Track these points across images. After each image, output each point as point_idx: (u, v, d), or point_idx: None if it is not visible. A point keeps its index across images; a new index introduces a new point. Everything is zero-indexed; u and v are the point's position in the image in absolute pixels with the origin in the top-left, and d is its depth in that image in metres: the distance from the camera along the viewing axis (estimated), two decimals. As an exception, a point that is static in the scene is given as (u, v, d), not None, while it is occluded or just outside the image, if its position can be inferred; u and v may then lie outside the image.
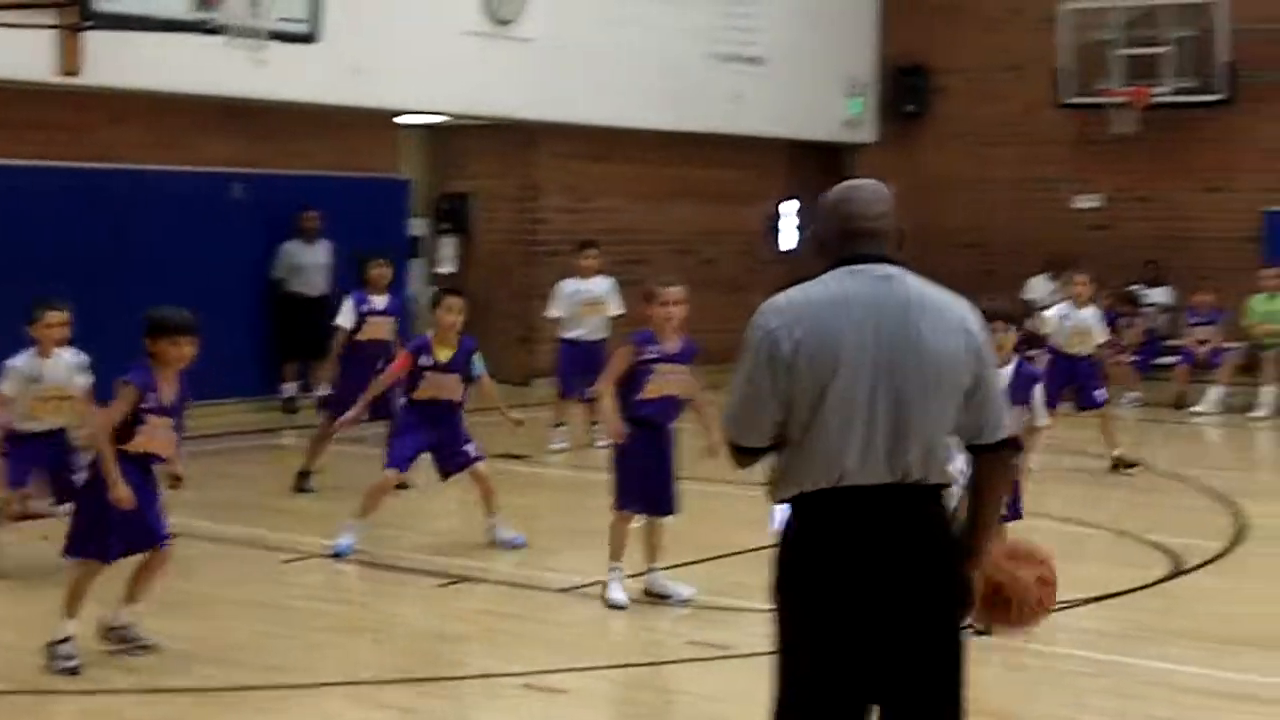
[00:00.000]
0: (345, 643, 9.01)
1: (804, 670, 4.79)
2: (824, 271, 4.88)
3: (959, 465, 5.03)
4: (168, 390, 8.34)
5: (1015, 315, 9.86)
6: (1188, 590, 10.47)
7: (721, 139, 23.20)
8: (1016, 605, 5.26)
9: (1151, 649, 8.94)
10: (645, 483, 9.75)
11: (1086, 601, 9.84)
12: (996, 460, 4.90)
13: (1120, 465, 15.11)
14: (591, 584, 10.10)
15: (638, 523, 9.87)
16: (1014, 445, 5.03)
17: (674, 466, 9.84)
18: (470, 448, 11.41)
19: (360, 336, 13.49)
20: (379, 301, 13.68)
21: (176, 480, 8.59)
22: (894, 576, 4.69)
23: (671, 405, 9.79)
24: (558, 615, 9.69)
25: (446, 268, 21.83)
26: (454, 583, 10.32)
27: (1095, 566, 10.99)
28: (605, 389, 9.82)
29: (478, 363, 11.50)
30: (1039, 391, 9.79)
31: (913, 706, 4.80)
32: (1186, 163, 23.60)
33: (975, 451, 4.87)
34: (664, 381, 9.71)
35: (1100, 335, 15.83)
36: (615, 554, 9.77)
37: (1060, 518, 12.69)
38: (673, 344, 9.74)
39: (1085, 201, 24.44)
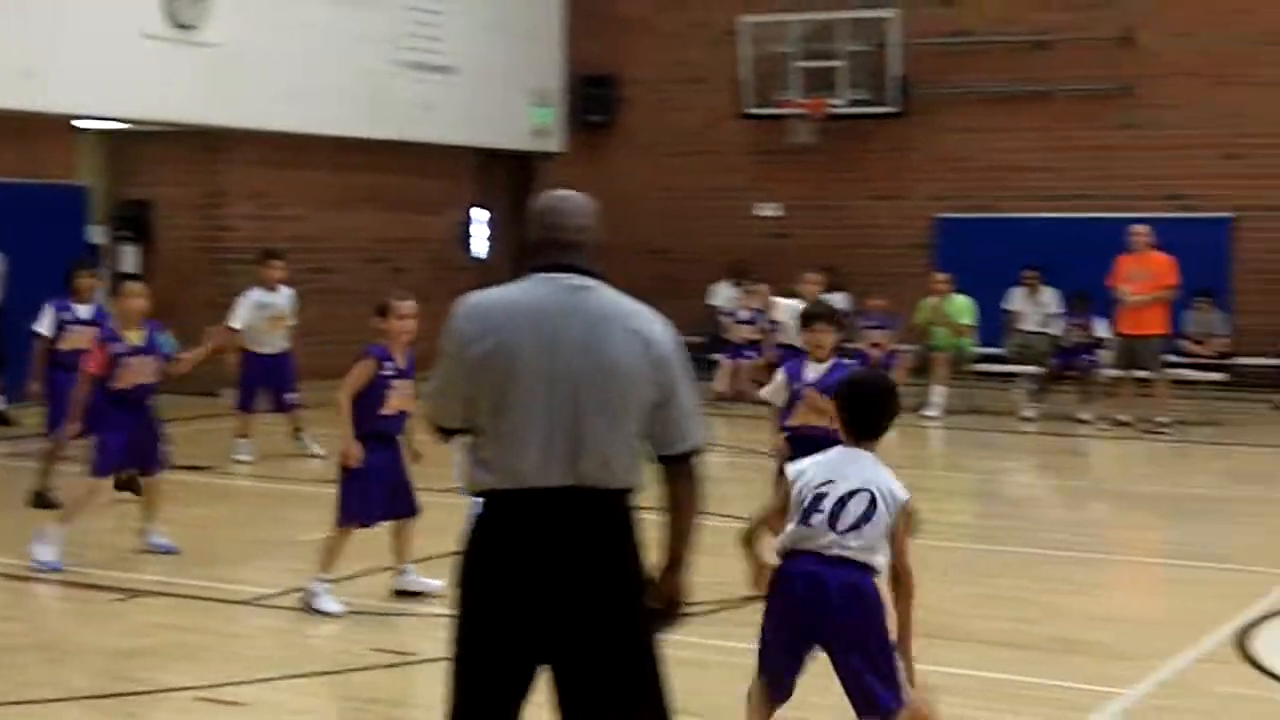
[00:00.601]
0: (18, 661, 8.78)
1: (473, 657, 4.96)
2: (524, 275, 5.04)
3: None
4: None
5: (836, 317, 10.29)
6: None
7: (411, 147, 23.20)
8: None
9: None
10: (388, 491, 9.83)
11: (756, 598, 10.13)
12: (682, 470, 5.07)
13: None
14: (274, 595, 10.08)
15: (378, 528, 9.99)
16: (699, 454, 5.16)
17: (408, 469, 10.03)
18: (163, 452, 11.38)
19: (61, 346, 13.15)
20: (82, 311, 13.37)
21: None
22: (566, 574, 4.86)
23: (404, 418, 9.96)
24: (239, 627, 9.64)
25: (129, 277, 21.43)
26: (133, 597, 10.17)
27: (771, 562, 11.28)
28: (346, 402, 9.79)
29: (166, 340, 11.43)
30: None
31: (588, 700, 4.95)
32: (862, 172, 24.33)
33: (663, 461, 5.04)
34: (400, 396, 9.79)
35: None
36: (328, 565, 9.77)
37: (737, 516, 12.99)
38: (403, 358, 9.82)
39: (766, 210, 25.00)
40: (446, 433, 5.09)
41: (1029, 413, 19.99)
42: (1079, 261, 20.94)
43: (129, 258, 21.45)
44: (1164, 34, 22.82)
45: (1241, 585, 10.73)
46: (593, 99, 26.09)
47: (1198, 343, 21.64)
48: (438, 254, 24.22)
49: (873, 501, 6.31)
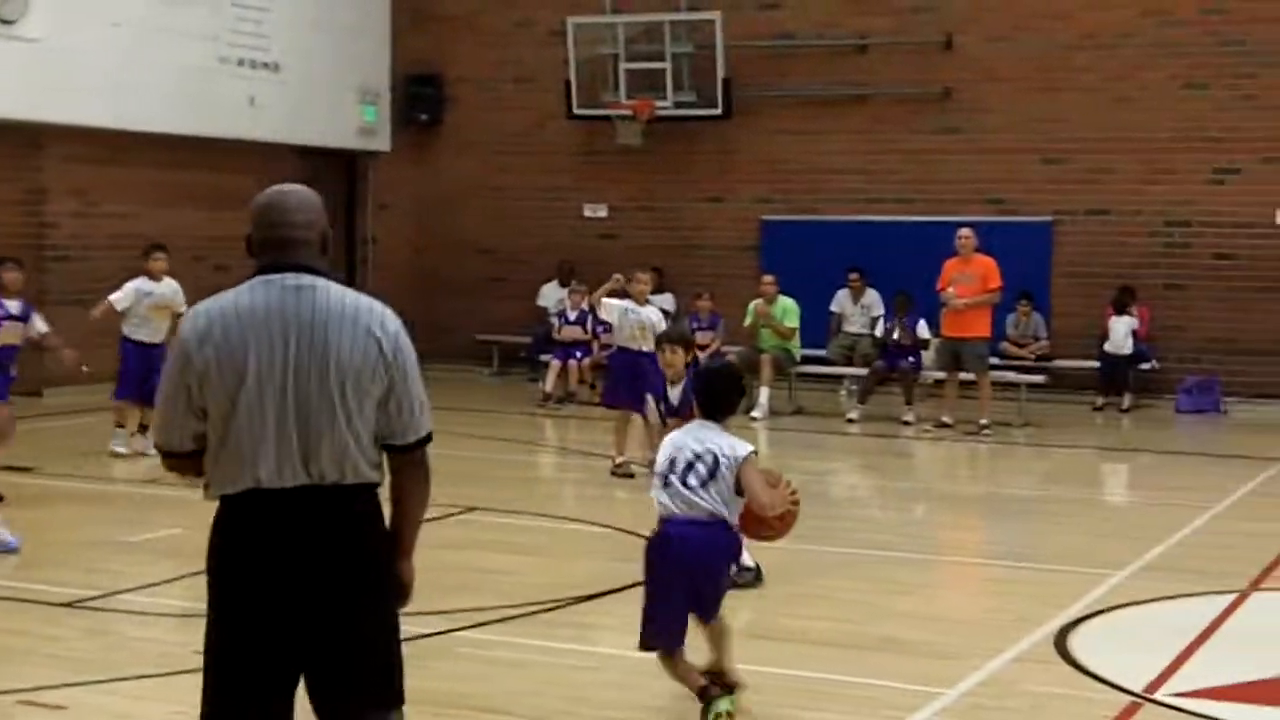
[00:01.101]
0: None
1: (224, 661, 5.01)
2: (251, 276, 5.04)
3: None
4: None
5: (686, 339, 12.08)
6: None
7: (236, 144, 22.97)
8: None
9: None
10: None
11: (589, 598, 10.20)
12: (410, 460, 5.12)
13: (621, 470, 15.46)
14: (96, 597, 9.97)
15: None
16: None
17: None
18: None
19: None
20: (13, 306, 13.97)
21: None
22: (309, 572, 4.91)
23: None
24: (62, 629, 9.49)
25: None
26: (-49, 600, 10.03)
27: (595, 562, 11.35)
28: None
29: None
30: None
31: (333, 696, 5.03)
32: (688, 174, 24.49)
33: (390, 451, 5.08)
34: None
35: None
36: None
37: (566, 517, 13.08)
38: None
39: (594, 210, 25.07)
40: (174, 457, 5.04)
41: (853, 414, 20.25)
42: (902, 264, 21.28)
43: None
44: (982, 39, 23.21)
45: (1061, 585, 10.93)
46: (419, 97, 26.00)
47: (1018, 345, 22.07)
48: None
49: (715, 461, 7.39)
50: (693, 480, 7.38)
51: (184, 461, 5.04)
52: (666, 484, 7.44)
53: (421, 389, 5.11)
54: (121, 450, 15.85)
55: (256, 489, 4.89)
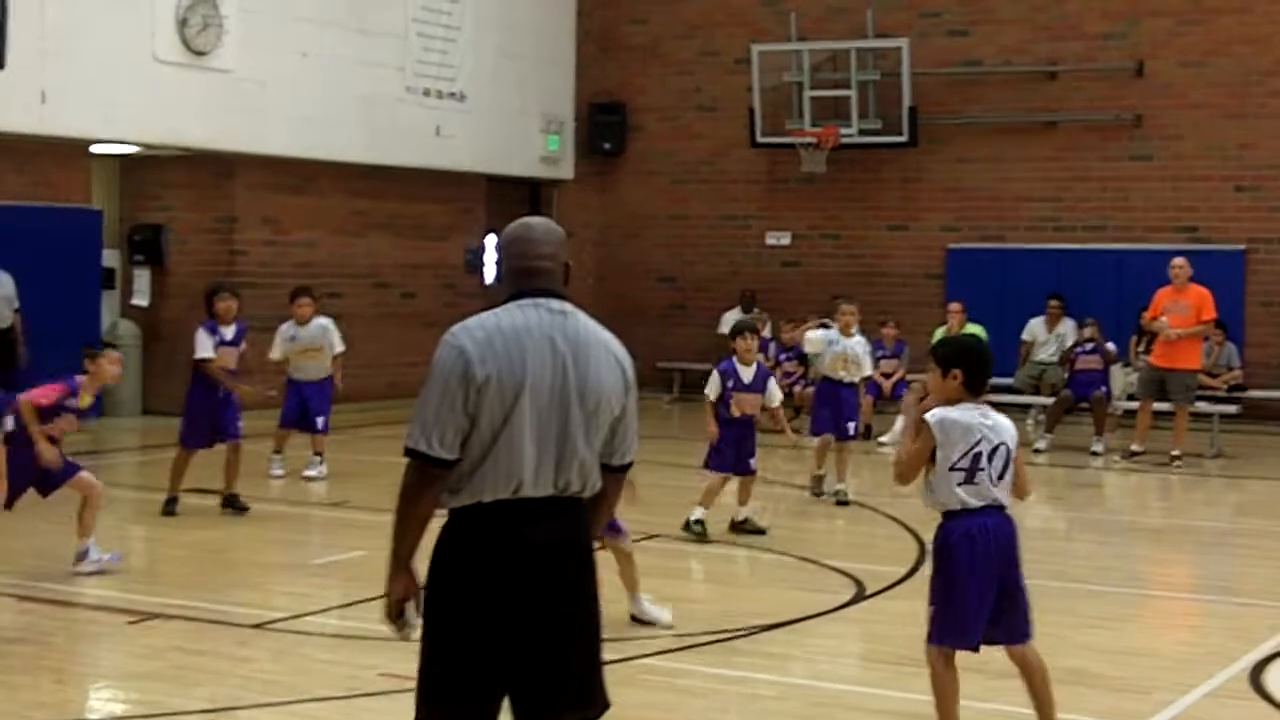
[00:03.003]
0: (27, 683, 8.72)
1: (455, 660, 5.19)
2: (505, 301, 5.30)
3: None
4: None
5: (757, 328, 13.61)
6: (871, 614, 10.75)
7: (422, 173, 23.25)
8: None
9: (837, 671, 9.19)
10: None
11: (775, 626, 10.11)
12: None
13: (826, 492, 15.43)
14: (284, 619, 10.07)
15: None
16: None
17: None
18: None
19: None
20: (227, 332, 14.20)
21: None
22: (554, 576, 5.19)
23: None
24: (251, 650, 9.60)
25: (141, 300, 21.48)
26: (145, 619, 10.15)
27: (781, 591, 11.25)
28: None
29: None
30: (772, 382, 13.32)
31: (553, 697, 5.22)
32: (872, 201, 24.35)
33: (606, 470, 5.36)
34: None
35: (868, 366, 15.87)
36: None
37: (749, 545, 13.00)
38: None
39: (777, 238, 25.00)
40: (437, 465, 5.15)
41: (1040, 444, 19.93)
42: (1091, 292, 20.95)
43: (143, 281, 21.51)
44: (1175, 64, 22.84)
45: (1256, 620, 10.67)
46: (603, 126, 26.14)
47: (1211, 375, 21.57)
48: (448, 280, 24.23)
49: (1008, 453, 7.28)
50: (994, 476, 7.24)
51: (438, 472, 5.14)
52: (971, 479, 7.21)
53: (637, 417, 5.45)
54: (278, 472, 16.22)
55: (513, 498, 5.14)
